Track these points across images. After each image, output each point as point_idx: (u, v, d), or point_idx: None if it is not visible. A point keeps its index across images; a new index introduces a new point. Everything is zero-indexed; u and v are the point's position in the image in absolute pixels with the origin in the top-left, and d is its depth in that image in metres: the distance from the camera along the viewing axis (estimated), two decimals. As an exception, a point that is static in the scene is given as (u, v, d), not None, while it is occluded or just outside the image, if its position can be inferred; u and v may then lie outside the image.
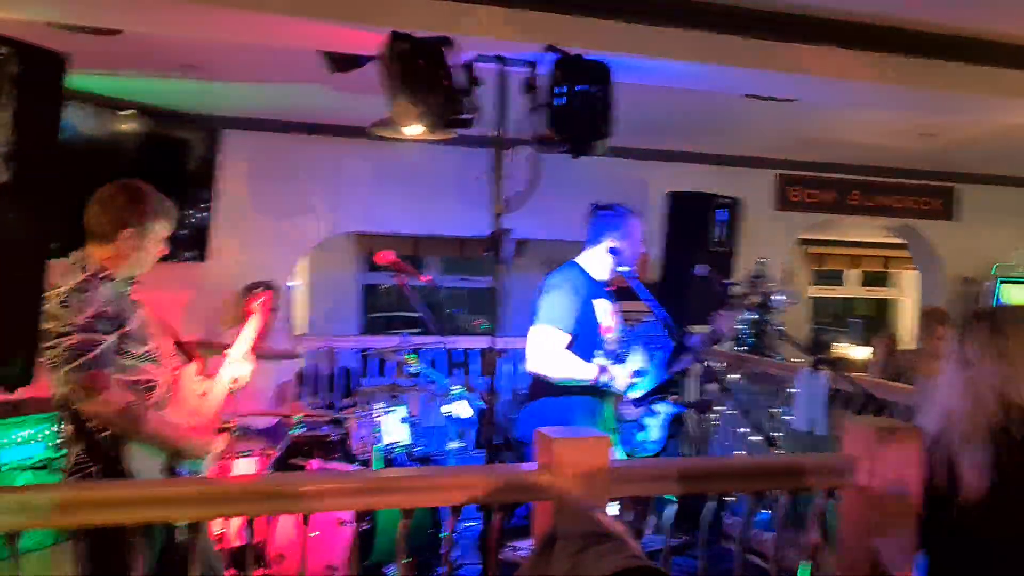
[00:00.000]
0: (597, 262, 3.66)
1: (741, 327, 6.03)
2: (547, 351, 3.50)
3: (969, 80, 3.32)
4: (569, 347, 3.56)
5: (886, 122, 5.30)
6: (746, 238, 5.69)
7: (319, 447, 4.83)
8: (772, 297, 6.19)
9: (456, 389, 4.91)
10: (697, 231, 5.13)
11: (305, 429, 4.72)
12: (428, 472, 2.31)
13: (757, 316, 5.97)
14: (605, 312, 3.72)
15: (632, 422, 4.08)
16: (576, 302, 3.52)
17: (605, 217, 3.66)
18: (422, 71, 2.47)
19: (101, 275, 2.66)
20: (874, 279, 11.65)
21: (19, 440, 3.69)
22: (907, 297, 11.07)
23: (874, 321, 11.69)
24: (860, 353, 9.77)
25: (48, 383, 2.64)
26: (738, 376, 5.05)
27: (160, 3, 2.58)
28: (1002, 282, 7.21)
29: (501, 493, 2.28)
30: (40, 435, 3.71)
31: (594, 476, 2.19)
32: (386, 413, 4.73)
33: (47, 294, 2.53)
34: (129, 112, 5.27)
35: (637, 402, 4.08)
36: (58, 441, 2.78)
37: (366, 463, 4.58)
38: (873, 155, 6.61)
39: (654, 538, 2.62)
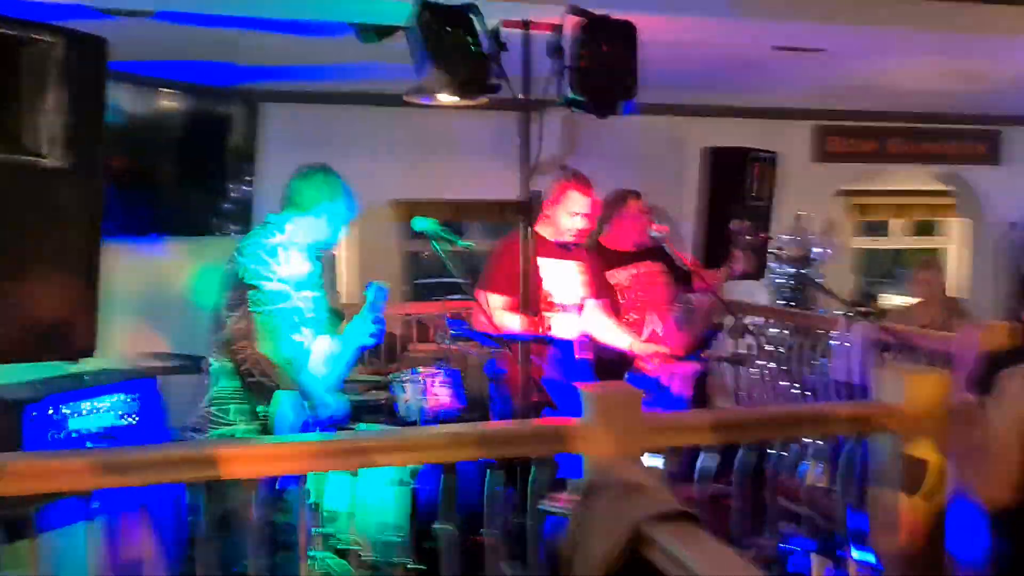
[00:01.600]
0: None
1: (781, 280, 6.01)
2: None
3: (1001, 21, 3.27)
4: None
5: (926, 67, 5.19)
6: (786, 191, 5.66)
7: (367, 411, 4.98)
8: (812, 250, 6.18)
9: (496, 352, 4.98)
10: (735, 186, 5.12)
11: (352, 394, 4.86)
12: (469, 428, 2.41)
13: (797, 269, 5.96)
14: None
15: (654, 379, 4.17)
16: None
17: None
18: (449, 39, 2.53)
19: (294, 240, 3.04)
20: (922, 228, 11.43)
21: (86, 410, 3.87)
22: (956, 245, 10.85)
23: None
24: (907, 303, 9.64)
25: (224, 318, 2.96)
26: (778, 329, 5.05)
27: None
28: (1048, 226, 7.06)
29: (542, 445, 2.38)
30: (106, 405, 3.89)
31: (629, 428, 2.27)
32: (429, 376, 4.84)
33: (254, 241, 2.96)
34: (171, 90, 5.40)
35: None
36: (207, 374, 3.12)
37: (414, 425, 4.70)
38: (914, 101, 6.47)
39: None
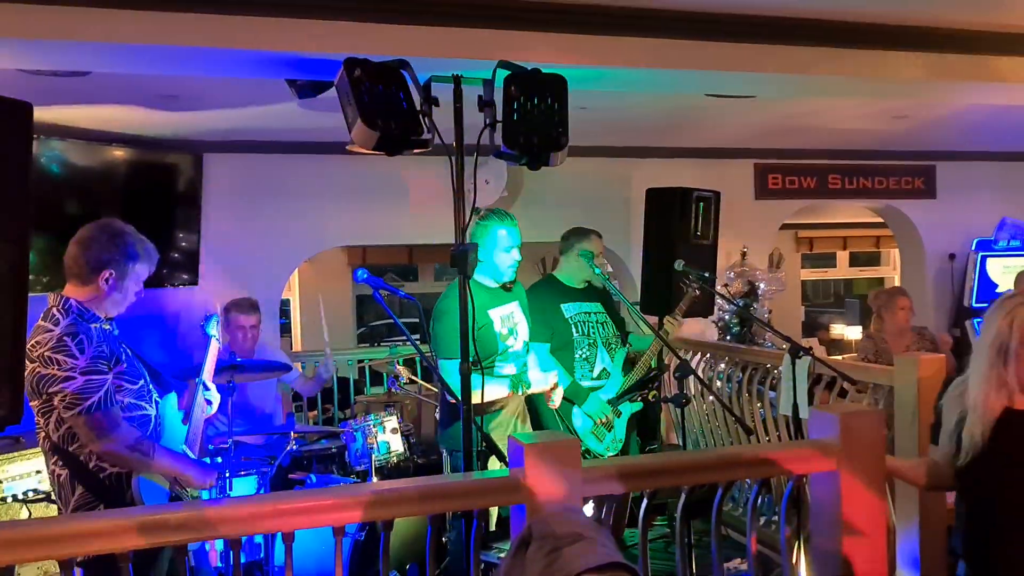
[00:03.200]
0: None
1: (726, 316, 6.10)
2: None
3: (919, 67, 3.40)
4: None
5: (856, 107, 5.37)
6: (729, 229, 5.76)
7: (317, 461, 4.93)
8: (758, 285, 6.29)
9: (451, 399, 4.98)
10: (679, 225, 5.19)
11: (303, 444, 4.82)
12: (408, 483, 2.39)
13: (743, 304, 6.05)
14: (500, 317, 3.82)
15: (604, 423, 4.22)
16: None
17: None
18: (378, 95, 2.55)
19: (87, 316, 2.68)
20: (868, 259, 11.73)
21: (20, 475, 3.78)
22: (898, 275, 11.15)
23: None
24: (856, 333, 9.85)
25: (41, 428, 2.67)
26: (723, 366, 5.12)
27: (122, 46, 2.66)
28: (984, 257, 7.27)
29: (478, 499, 2.37)
30: (37, 469, 3.80)
31: (566, 478, 2.28)
32: (380, 423, 4.82)
33: (37, 339, 2.59)
34: (116, 143, 5.38)
35: (613, 403, 4.24)
36: (53, 486, 2.75)
37: (364, 475, 4.66)
38: (850, 139, 6.68)
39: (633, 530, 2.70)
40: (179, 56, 2.79)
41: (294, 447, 4.59)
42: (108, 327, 2.77)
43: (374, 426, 4.78)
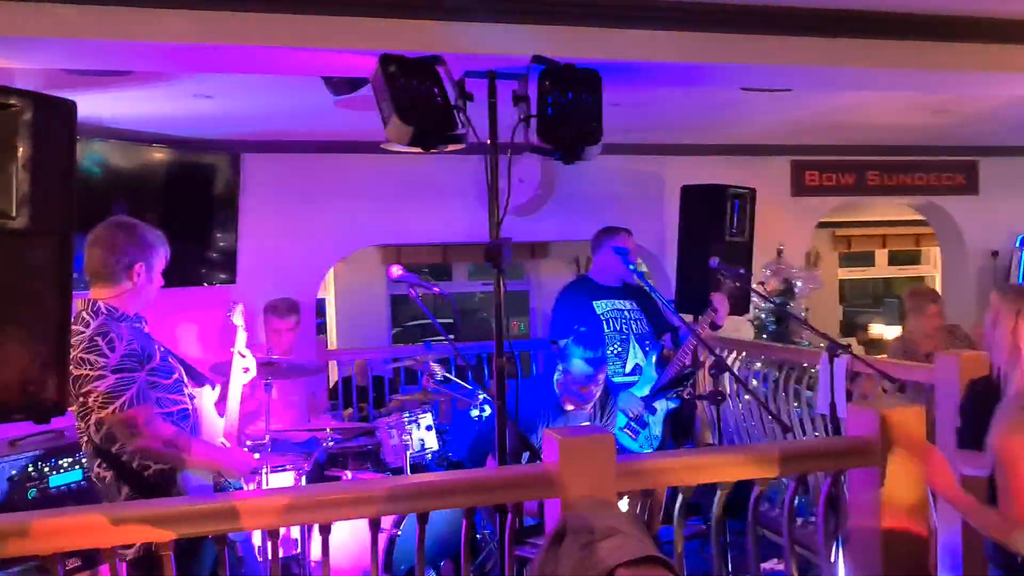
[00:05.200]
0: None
1: (762, 315, 6.04)
2: None
3: (962, 58, 3.33)
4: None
5: (896, 101, 5.28)
6: (765, 226, 5.70)
7: (353, 458, 4.98)
8: (794, 283, 6.22)
9: (481, 395, 5.00)
10: (713, 223, 5.15)
11: (339, 441, 4.86)
12: (441, 477, 2.41)
13: (779, 303, 5.99)
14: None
15: (635, 419, 4.20)
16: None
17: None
18: (413, 91, 2.57)
19: (116, 316, 2.71)
20: (907, 258, 11.53)
21: (64, 467, 3.86)
22: (939, 273, 10.94)
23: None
24: (894, 333, 9.68)
25: (82, 431, 2.71)
26: (759, 364, 5.07)
27: (164, 45, 2.70)
28: (1029, 253, 7.13)
29: (512, 492, 2.38)
30: (80, 462, 3.88)
31: (600, 472, 2.27)
32: (415, 421, 4.84)
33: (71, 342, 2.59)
34: (155, 144, 5.47)
35: (646, 400, 4.23)
36: (99, 488, 2.78)
37: (399, 471, 4.69)
38: (889, 135, 6.58)
39: (668, 528, 2.68)
40: (217, 55, 2.83)
41: (330, 444, 4.63)
42: (139, 324, 2.80)
43: (409, 423, 4.80)
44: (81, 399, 2.64)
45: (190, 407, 2.87)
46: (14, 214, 2.34)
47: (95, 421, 2.66)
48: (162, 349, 2.85)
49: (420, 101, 2.58)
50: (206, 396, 2.98)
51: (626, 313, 4.45)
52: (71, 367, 2.54)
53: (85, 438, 2.73)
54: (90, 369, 2.60)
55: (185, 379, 2.90)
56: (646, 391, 4.28)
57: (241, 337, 3.25)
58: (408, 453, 4.68)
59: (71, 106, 2.48)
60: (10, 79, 3.18)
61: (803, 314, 6.25)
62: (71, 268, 2.50)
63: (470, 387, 5.02)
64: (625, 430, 4.23)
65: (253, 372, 3.20)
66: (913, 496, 2.49)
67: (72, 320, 2.57)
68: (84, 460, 2.73)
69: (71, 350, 2.47)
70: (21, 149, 2.33)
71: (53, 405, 2.47)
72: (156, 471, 2.71)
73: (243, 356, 3.15)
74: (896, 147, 7.06)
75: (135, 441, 2.63)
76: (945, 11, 3.20)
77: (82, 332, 2.64)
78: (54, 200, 2.41)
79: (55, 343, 2.47)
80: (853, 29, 3.13)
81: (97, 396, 2.60)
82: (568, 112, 2.70)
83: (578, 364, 3.69)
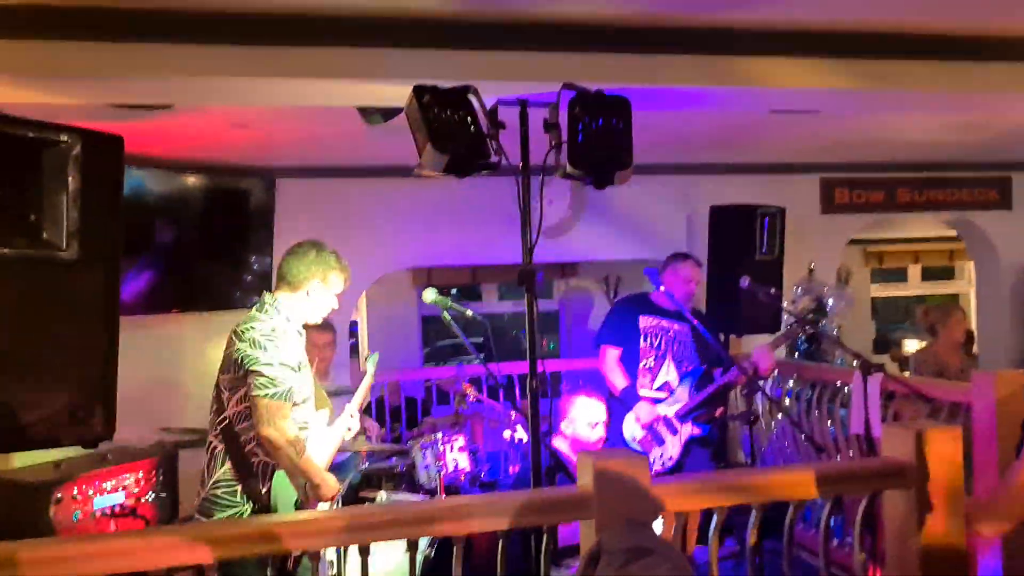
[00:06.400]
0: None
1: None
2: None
3: (994, 78, 3.33)
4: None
5: (927, 119, 5.26)
6: (795, 244, 5.70)
7: (387, 478, 5.02)
8: (826, 301, 6.19)
9: (513, 415, 5.04)
10: (742, 243, 5.17)
11: (373, 462, 4.91)
12: (478, 499, 2.44)
13: (810, 320, 5.96)
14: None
15: (648, 427, 4.23)
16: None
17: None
18: (447, 120, 2.62)
19: (291, 319, 3.09)
20: (940, 273, 11.40)
21: (107, 489, 3.94)
22: (973, 289, 10.81)
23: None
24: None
25: (225, 399, 3.00)
26: (791, 383, 5.05)
27: (205, 80, 2.79)
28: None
29: (548, 514, 2.40)
30: (130, 482, 3.97)
31: (634, 493, 2.29)
32: (448, 442, 4.88)
33: (252, 324, 2.97)
34: (191, 170, 5.60)
35: (680, 417, 4.24)
36: (205, 457, 3.08)
37: (432, 492, 4.73)
38: (920, 151, 6.54)
39: (703, 549, 2.69)
40: (256, 88, 2.92)
41: (365, 464, 4.68)
42: (301, 334, 3.15)
43: (442, 445, 4.84)
44: (243, 373, 2.94)
45: (310, 423, 3.17)
46: (64, 246, 2.44)
47: (239, 396, 2.96)
48: (307, 365, 3.16)
49: (454, 130, 2.64)
50: (321, 417, 3.27)
51: (671, 333, 4.49)
52: (247, 345, 2.93)
53: (216, 407, 3.05)
54: (263, 353, 2.93)
55: (312, 397, 3.19)
56: (672, 411, 4.30)
57: (366, 385, 3.52)
58: (441, 474, 4.72)
59: (118, 141, 2.58)
60: (54, 112, 3.30)
61: (835, 332, 6.21)
62: (118, 298, 2.59)
63: (502, 407, 5.06)
64: (639, 443, 4.27)
65: (352, 433, 3.48)
66: (951, 518, 2.47)
67: (256, 305, 3.08)
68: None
69: (251, 331, 2.93)
70: (71, 183, 2.43)
71: (101, 431, 2.56)
72: (261, 462, 3.00)
73: (352, 417, 3.44)
74: (927, 163, 7.00)
75: (266, 428, 2.90)
76: (975, 31, 3.20)
77: (265, 321, 3.01)
78: (102, 232, 2.51)
79: (102, 370, 2.56)
80: (881, 51, 3.15)
81: (258, 377, 2.91)
82: (599, 138, 2.74)
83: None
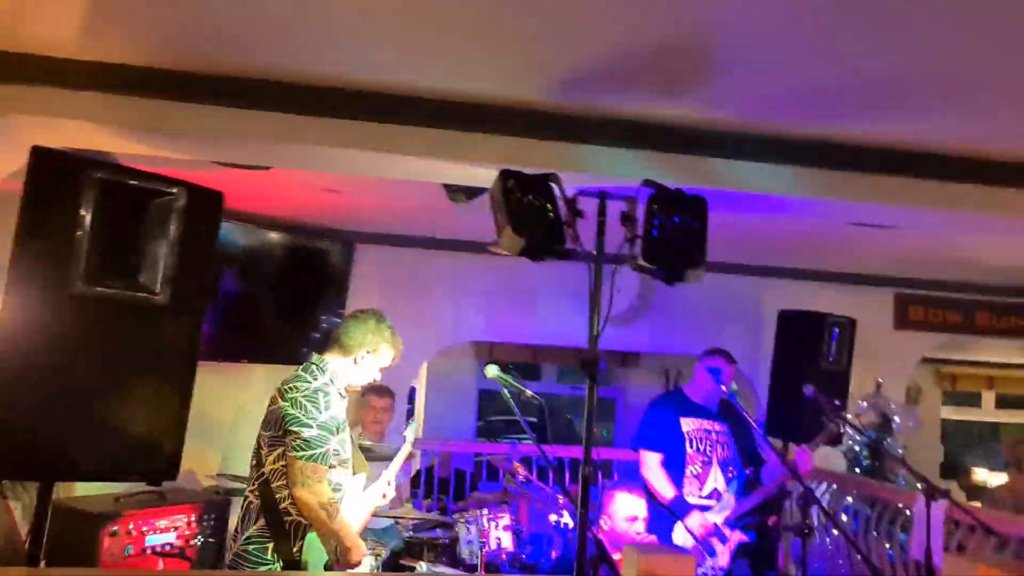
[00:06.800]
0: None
1: (856, 447, 5.86)
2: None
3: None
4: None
5: (1011, 240, 5.16)
6: (864, 358, 5.59)
7: (429, 549, 5.00)
8: (892, 418, 6.03)
9: (561, 499, 4.99)
10: (808, 351, 5.11)
11: (417, 530, 4.91)
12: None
13: (875, 437, 5.82)
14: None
15: (702, 541, 4.11)
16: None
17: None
18: (527, 206, 2.71)
19: (336, 381, 3.14)
20: (1017, 401, 10.98)
21: (160, 528, 4.03)
22: (1055, 422, 10.37)
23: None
24: (998, 480, 9.17)
25: (264, 456, 3.05)
26: (850, 499, 4.91)
27: (305, 147, 2.96)
28: None
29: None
30: (183, 523, 4.05)
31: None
32: (493, 519, 4.85)
33: (295, 384, 3.04)
34: (275, 228, 5.84)
35: (730, 524, 4.15)
36: (242, 510, 3.12)
37: (473, 568, 4.69)
38: (1003, 274, 6.40)
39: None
40: (350, 158, 3.08)
41: (408, 532, 4.68)
42: (344, 396, 3.19)
43: (487, 521, 4.82)
44: (282, 432, 3.00)
45: (345, 486, 3.19)
46: (158, 290, 2.59)
47: (277, 455, 3.00)
48: (347, 428, 3.20)
49: (534, 215, 2.73)
50: (358, 481, 3.31)
51: (713, 435, 4.37)
52: (288, 405, 2.98)
53: (255, 462, 3.09)
54: (304, 414, 2.99)
55: (351, 461, 3.23)
56: (721, 518, 4.19)
57: (405, 450, 3.54)
58: (483, 551, 4.68)
59: (218, 197, 2.75)
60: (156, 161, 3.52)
61: (900, 452, 6.04)
62: (199, 345, 2.72)
63: (551, 490, 5.02)
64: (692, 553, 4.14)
65: (388, 500, 3.49)
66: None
67: (303, 366, 3.13)
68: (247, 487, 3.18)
69: (294, 392, 2.99)
70: (171, 233, 2.59)
71: (167, 468, 2.66)
72: (294, 521, 3.02)
73: (389, 484, 3.46)
74: (1009, 288, 6.85)
75: (301, 489, 2.95)
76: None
77: (310, 382, 3.07)
78: (194, 281, 2.66)
79: (177, 411, 2.68)
80: (966, 174, 3.16)
81: (296, 438, 2.96)
82: (673, 235, 2.80)
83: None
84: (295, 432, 2.96)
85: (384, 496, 3.45)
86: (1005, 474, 9.06)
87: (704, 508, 4.20)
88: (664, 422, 4.35)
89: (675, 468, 4.27)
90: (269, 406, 3.10)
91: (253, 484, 3.08)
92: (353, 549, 3.04)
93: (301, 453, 2.95)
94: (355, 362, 3.21)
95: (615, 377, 9.53)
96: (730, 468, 4.33)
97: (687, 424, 4.36)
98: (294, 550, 3.00)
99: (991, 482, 9.89)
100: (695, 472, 4.28)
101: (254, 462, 3.10)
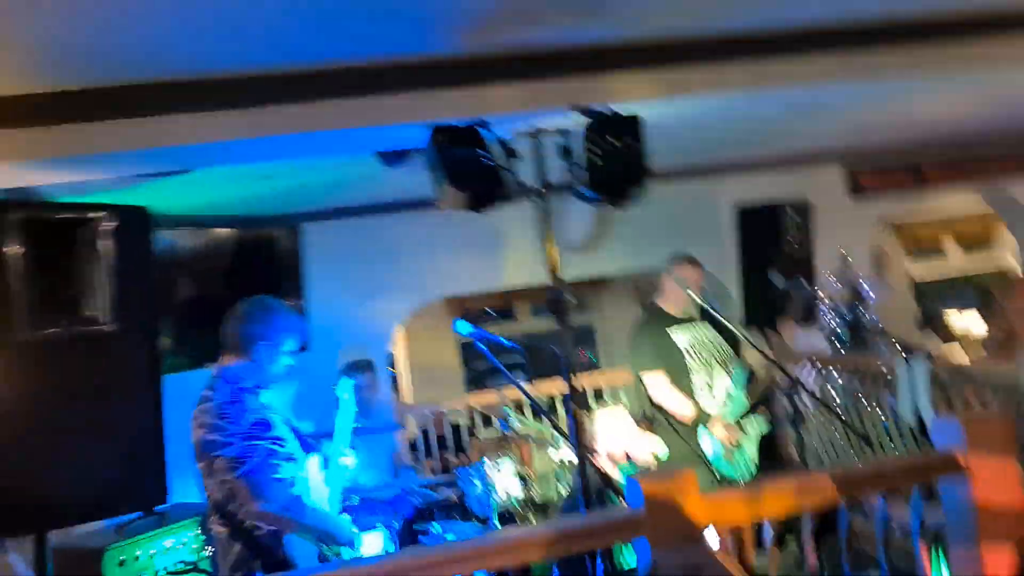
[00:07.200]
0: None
1: (835, 326, 5.95)
2: None
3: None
4: None
5: (955, 100, 5.13)
6: (825, 236, 5.62)
7: (439, 510, 5.04)
8: (862, 290, 6.11)
9: (549, 434, 5.04)
10: (770, 239, 5.15)
11: (425, 496, 4.95)
12: (533, 530, 2.45)
13: (850, 311, 5.90)
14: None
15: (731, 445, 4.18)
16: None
17: None
18: (461, 158, 2.66)
19: (243, 386, 2.93)
20: (980, 245, 11.15)
21: (168, 547, 4.00)
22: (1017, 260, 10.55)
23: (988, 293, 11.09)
24: (973, 319, 9.34)
25: (207, 487, 2.90)
26: (836, 376, 5.00)
27: (220, 143, 2.85)
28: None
29: (602, 538, 2.41)
30: (182, 541, 4.01)
31: (686, 511, 2.29)
32: (497, 468, 4.89)
33: (202, 407, 2.85)
34: (218, 226, 5.70)
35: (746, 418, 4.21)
36: (211, 545, 3.05)
37: (485, 520, 4.74)
38: (951, 129, 6.38)
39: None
40: (273, 145, 2.98)
41: (417, 499, 4.71)
42: (263, 394, 3.01)
43: (491, 471, 4.85)
44: (208, 460, 2.83)
45: (301, 475, 3.04)
46: (105, 319, 2.51)
47: (219, 481, 2.84)
48: (280, 418, 3.04)
49: (470, 167, 2.68)
50: (312, 464, 3.14)
51: (705, 340, 4.42)
52: (203, 431, 2.79)
53: (208, 494, 2.93)
54: (220, 435, 2.80)
55: (298, 447, 3.07)
56: (735, 417, 4.25)
57: (347, 411, 3.39)
58: (494, 501, 4.73)
59: (144, 211, 2.66)
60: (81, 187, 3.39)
61: (876, 320, 6.13)
62: (160, 363, 2.66)
63: (548, 430, 5.07)
64: (724, 458, 4.19)
65: (352, 468, 3.41)
66: (1009, 503, 2.44)
67: (206, 384, 2.90)
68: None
69: (202, 415, 2.79)
70: (104, 257, 2.51)
71: (153, 495, 2.62)
72: (268, 532, 2.89)
73: (343, 452, 3.36)
74: (958, 138, 6.84)
75: (255, 504, 2.81)
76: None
77: (212, 399, 2.86)
78: (139, 301, 2.58)
79: (152, 435, 2.64)
80: (884, 41, 3.12)
81: (225, 460, 2.80)
82: (613, 159, 2.76)
83: None
84: (218, 456, 2.80)
85: (348, 463, 3.36)
86: (975, 311, 9.28)
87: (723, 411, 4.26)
88: (657, 341, 4.36)
89: (682, 382, 4.31)
90: (192, 436, 2.89)
91: (214, 515, 2.94)
92: (336, 532, 3.00)
93: (235, 473, 2.79)
94: (255, 360, 3.00)
95: (589, 303, 9.57)
96: (728, 365, 4.38)
97: (679, 336, 4.38)
98: (281, 557, 2.91)
99: (969, 327, 10.11)
100: (705, 381, 4.33)
101: (208, 494, 2.94)
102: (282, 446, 2.94)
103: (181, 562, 4.01)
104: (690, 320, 4.43)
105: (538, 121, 2.93)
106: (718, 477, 4.14)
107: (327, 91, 2.80)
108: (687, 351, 4.34)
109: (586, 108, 2.83)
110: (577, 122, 2.81)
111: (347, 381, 3.60)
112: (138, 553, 3.84)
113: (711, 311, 4.33)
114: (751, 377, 4.41)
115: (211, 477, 2.87)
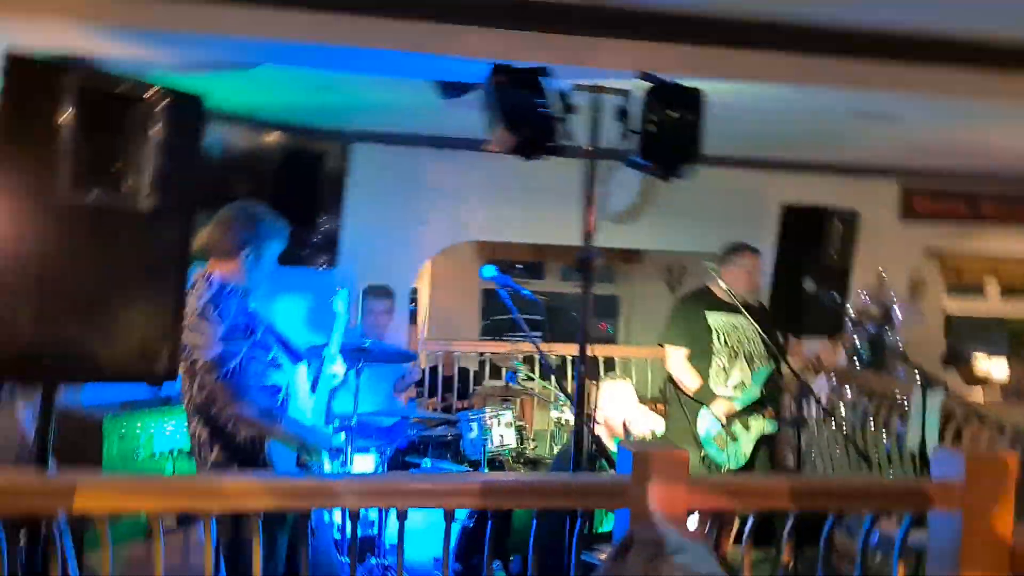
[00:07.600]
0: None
1: (857, 341, 5.89)
2: None
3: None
4: None
5: (1018, 131, 5.04)
6: (866, 252, 5.54)
7: (433, 446, 5.12)
8: (893, 311, 6.03)
9: (553, 394, 5.07)
10: (812, 245, 5.06)
11: (421, 429, 5.02)
12: (519, 478, 2.48)
13: (876, 330, 5.83)
14: None
15: (727, 429, 4.20)
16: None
17: None
18: (518, 101, 2.64)
19: (227, 289, 2.93)
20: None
21: (168, 430, 4.11)
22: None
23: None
24: (1000, 366, 9.19)
25: (186, 390, 2.93)
26: (848, 392, 4.96)
27: (289, 42, 2.86)
28: None
29: (584, 499, 2.43)
30: (182, 430, 4.12)
31: (671, 488, 2.31)
32: (496, 417, 4.94)
33: (186, 309, 2.73)
34: (269, 129, 5.72)
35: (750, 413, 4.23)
36: (193, 444, 3.01)
37: (476, 464, 4.80)
38: (1010, 163, 6.25)
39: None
40: (339, 54, 2.98)
41: (414, 431, 4.78)
42: (246, 300, 3.02)
43: (490, 418, 4.91)
44: (190, 362, 2.85)
45: (284, 382, 3.06)
46: (144, 197, 2.54)
47: (198, 384, 2.87)
48: (264, 325, 3.06)
49: (525, 111, 2.66)
50: (300, 373, 3.16)
51: (740, 330, 4.44)
52: (184, 331, 2.72)
53: (187, 397, 2.96)
54: (201, 336, 2.82)
55: (282, 355, 3.08)
56: (743, 407, 4.28)
57: (340, 323, 3.41)
58: (487, 448, 4.79)
59: (199, 100, 2.67)
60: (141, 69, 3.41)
61: (900, 344, 6.06)
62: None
63: (552, 389, 5.10)
64: (715, 440, 4.25)
65: (340, 377, 3.45)
66: (997, 545, 2.43)
67: (189, 286, 2.83)
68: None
69: (185, 317, 2.70)
70: (153, 137, 2.53)
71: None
72: (247, 437, 2.92)
73: (333, 359, 3.40)
74: (1016, 175, 6.70)
75: (233, 407, 2.83)
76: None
77: (196, 301, 2.86)
78: (180, 186, 2.60)
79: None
80: (968, 60, 3.05)
81: (205, 363, 2.82)
82: (669, 130, 2.73)
83: None
84: (199, 358, 2.82)
85: (337, 372, 3.40)
86: (1004, 359, 9.12)
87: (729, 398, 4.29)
88: (692, 317, 4.47)
89: (702, 361, 4.39)
90: None
91: (195, 418, 2.96)
92: (314, 443, 3.03)
93: (215, 375, 2.80)
94: (240, 265, 3.00)
95: (618, 275, 9.54)
96: (755, 362, 4.40)
97: (715, 318, 4.44)
98: (261, 462, 2.93)
99: (992, 372, 9.95)
100: (722, 365, 4.39)
101: (186, 398, 2.96)
102: (264, 352, 2.96)
103: (178, 449, 4.12)
104: (734, 308, 4.43)
105: (600, 80, 2.89)
106: (702, 455, 4.21)
107: (395, 10, 2.79)
108: (717, 332, 4.40)
109: (650, 75, 2.79)
110: (638, 86, 2.77)
111: (343, 293, 3.65)
112: (138, 430, 3.96)
113: (757, 306, 4.35)
114: (771, 377, 4.41)
115: (190, 380, 2.89)
